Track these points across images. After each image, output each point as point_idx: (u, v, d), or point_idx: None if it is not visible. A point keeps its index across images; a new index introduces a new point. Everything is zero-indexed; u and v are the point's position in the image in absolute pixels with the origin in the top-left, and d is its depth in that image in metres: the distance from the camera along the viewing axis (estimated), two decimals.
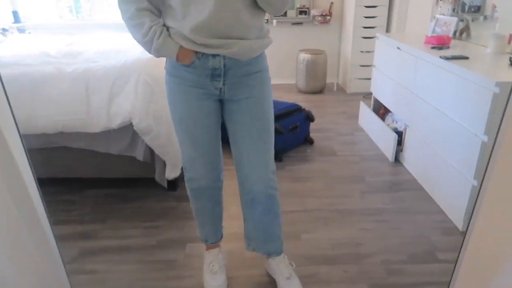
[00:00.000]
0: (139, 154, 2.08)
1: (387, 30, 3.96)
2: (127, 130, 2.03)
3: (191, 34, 1.18)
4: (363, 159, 2.68)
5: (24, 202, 0.89)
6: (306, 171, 2.53)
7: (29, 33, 3.89)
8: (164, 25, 1.23)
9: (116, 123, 1.96)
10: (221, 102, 1.38)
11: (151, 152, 2.10)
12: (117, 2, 1.23)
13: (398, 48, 2.64)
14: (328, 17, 4.13)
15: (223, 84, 1.29)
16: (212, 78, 1.27)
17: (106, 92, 1.98)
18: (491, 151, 0.93)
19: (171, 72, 1.31)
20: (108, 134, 2.04)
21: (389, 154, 2.66)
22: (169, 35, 1.22)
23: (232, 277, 1.65)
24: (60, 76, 2.03)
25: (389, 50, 2.81)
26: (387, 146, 2.69)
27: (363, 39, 3.95)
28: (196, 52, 1.22)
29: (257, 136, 1.36)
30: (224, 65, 1.25)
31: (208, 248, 1.65)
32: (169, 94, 1.35)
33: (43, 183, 2.34)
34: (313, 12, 4.18)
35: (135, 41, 1.25)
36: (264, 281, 1.63)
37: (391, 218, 2.02)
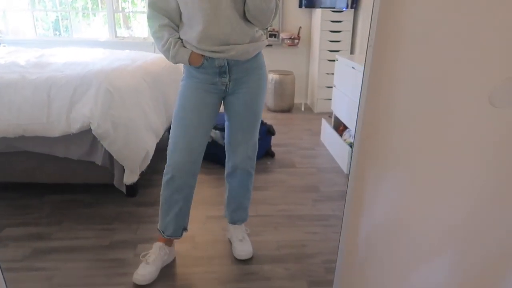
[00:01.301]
0: (98, 159, 2.16)
1: (351, 52, 4.19)
2: (87, 136, 2.11)
3: (198, 44, 1.49)
4: (320, 171, 2.80)
5: None
6: (263, 180, 2.63)
7: (4, 46, 3.97)
8: (179, 37, 1.55)
9: (75, 127, 2.04)
10: (222, 100, 1.66)
11: (110, 157, 2.18)
12: (146, 19, 1.59)
13: (353, 67, 2.82)
14: (296, 40, 4.35)
15: (229, 80, 1.57)
16: (220, 75, 1.56)
17: (67, 98, 2.07)
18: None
19: (188, 75, 1.60)
20: (68, 139, 2.12)
21: (344, 166, 2.79)
22: (183, 44, 1.54)
23: (178, 274, 1.71)
24: (24, 83, 2.11)
25: (346, 70, 2.99)
26: (343, 159, 2.83)
27: (329, 61, 4.16)
28: (204, 56, 1.52)
29: (246, 124, 1.67)
30: (228, 63, 1.54)
31: (158, 240, 1.75)
32: (181, 90, 1.61)
33: (3, 187, 2.39)
34: (282, 35, 4.39)
35: (158, 50, 1.58)
36: (208, 277, 1.70)
37: (337, 223, 2.13)
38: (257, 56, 1.62)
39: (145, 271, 1.65)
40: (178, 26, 1.57)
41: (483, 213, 0.80)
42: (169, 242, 1.75)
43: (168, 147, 1.63)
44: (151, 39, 4.50)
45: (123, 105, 2.12)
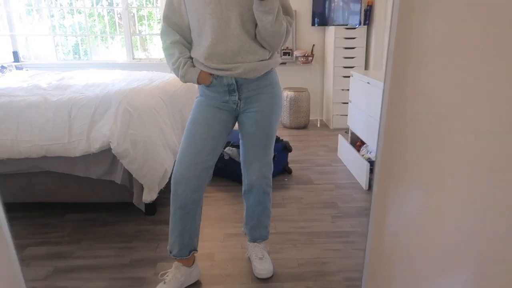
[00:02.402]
0: (118, 178, 2.18)
1: (366, 68, 4.19)
2: (106, 155, 2.14)
3: (205, 61, 1.51)
4: (337, 187, 2.77)
5: None
6: (281, 197, 2.62)
7: (27, 70, 4.10)
8: (189, 56, 1.57)
9: (95, 147, 2.08)
10: (235, 118, 1.66)
11: (129, 176, 2.21)
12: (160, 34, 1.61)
13: (368, 83, 2.82)
14: (310, 58, 4.38)
15: (239, 99, 1.57)
16: (229, 93, 1.56)
17: (87, 119, 2.12)
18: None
19: (201, 93, 1.63)
20: (88, 158, 2.16)
21: (363, 182, 2.76)
22: (192, 64, 1.56)
23: None
24: (46, 105, 2.17)
25: (361, 86, 2.99)
26: (361, 175, 2.80)
27: (343, 78, 4.16)
28: (212, 74, 1.53)
29: (258, 144, 1.65)
30: (236, 81, 1.53)
31: (176, 260, 1.69)
32: (194, 106, 1.63)
33: (25, 207, 2.44)
34: (296, 53, 4.43)
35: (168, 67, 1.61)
36: None
37: (357, 239, 2.09)
38: (269, 74, 1.60)
39: None
40: (190, 44, 1.59)
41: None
42: (187, 263, 1.70)
43: (176, 160, 1.60)
44: None
45: (141, 124, 2.16)
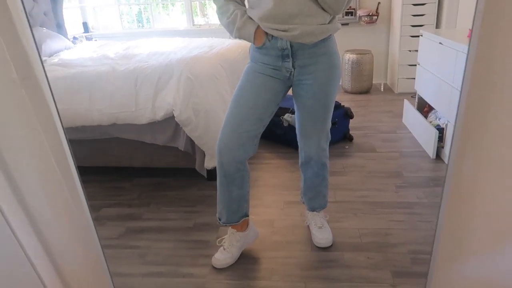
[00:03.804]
0: (181, 144, 2.26)
1: (437, 27, 3.85)
2: (170, 123, 2.22)
3: (261, 22, 1.41)
4: (402, 156, 2.65)
5: (62, 161, 1.05)
6: (341, 165, 2.56)
7: (96, 40, 4.31)
8: (246, 11, 1.47)
9: (160, 115, 2.15)
10: (288, 88, 1.58)
11: (191, 143, 2.28)
12: None
13: (440, 43, 2.59)
14: (375, 17, 4.11)
15: (293, 66, 1.46)
16: (283, 59, 1.45)
17: (152, 87, 2.19)
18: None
19: (253, 59, 1.54)
20: (153, 126, 2.25)
21: (430, 150, 2.60)
22: (250, 18, 1.45)
23: (258, 258, 1.75)
24: (114, 74, 2.27)
25: (432, 47, 2.76)
26: (428, 143, 2.64)
27: (411, 38, 3.87)
28: (267, 35, 1.43)
29: (316, 117, 1.58)
30: (291, 46, 1.42)
31: (230, 226, 1.73)
32: (244, 72, 1.55)
33: (99, 171, 2.62)
34: (359, 12, 4.18)
35: (222, 25, 1.52)
36: (288, 262, 1.71)
37: (423, 211, 2.00)
38: (327, 41, 1.46)
39: (221, 256, 1.70)
40: (243, 3, 1.52)
41: None
42: (240, 228, 1.71)
43: (221, 130, 1.55)
44: None
45: (203, 92, 2.19)
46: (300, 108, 1.60)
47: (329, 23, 1.44)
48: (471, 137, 0.98)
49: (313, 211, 1.86)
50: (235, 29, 1.44)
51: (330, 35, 1.48)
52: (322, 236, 1.78)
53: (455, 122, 0.96)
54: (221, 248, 1.73)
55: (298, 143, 1.73)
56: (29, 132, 0.95)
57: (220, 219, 1.69)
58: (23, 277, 1.04)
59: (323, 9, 1.39)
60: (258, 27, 1.43)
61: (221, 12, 1.49)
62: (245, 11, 1.47)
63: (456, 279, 1.20)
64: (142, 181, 2.51)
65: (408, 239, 1.81)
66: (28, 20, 0.82)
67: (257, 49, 1.49)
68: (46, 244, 1.13)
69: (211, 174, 2.41)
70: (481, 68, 0.88)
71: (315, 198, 1.82)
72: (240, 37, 1.47)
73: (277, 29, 1.39)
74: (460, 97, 0.92)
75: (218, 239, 1.81)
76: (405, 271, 1.61)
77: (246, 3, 1.51)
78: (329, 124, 1.66)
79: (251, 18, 1.45)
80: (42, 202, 1.07)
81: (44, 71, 0.88)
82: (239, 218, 1.68)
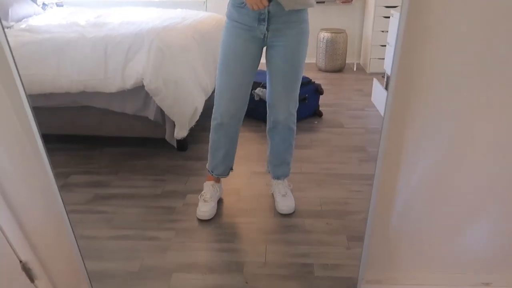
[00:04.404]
0: (151, 114, 2.27)
1: None
2: (140, 92, 2.22)
3: None
4: (368, 132, 2.75)
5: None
6: (309, 139, 2.64)
7: (66, 7, 4.17)
8: None
9: (129, 83, 2.15)
10: (262, 49, 1.68)
11: (161, 113, 2.29)
12: None
13: None
14: None
15: (267, 30, 1.58)
16: (259, 22, 1.57)
17: (122, 56, 2.18)
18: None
19: (229, 16, 1.63)
20: (123, 94, 2.24)
21: None
22: None
23: (222, 223, 1.82)
24: (83, 41, 2.24)
25: None
26: None
27: (384, 18, 3.94)
28: None
29: (286, 78, 1.68)
30: (268, 12, 1.54)
31: (207, 180, 1.93)
32: (224, 34, 1.66)
33: (68, 139, 2.61)
34: None
35: None
36: (250, 227, 1.79)
37: None
38: (300, 11, 1.60)
39: (206, 207, 1.85)
40: None
41: None
42: (217, 180, 1.94)
43: (215, 93, 1.73)
44: None
45: (173, 62, 2.19)
46: (272, 71, 1.70)
47: None
48: (406, 109, 1.07)
49: (277, 179, 1.93)
50: None
51: (305, 9, 1.60)
52: (285, 203, 1.87)
53: (387, 92, 1.04)
54: (202, 201, 1.87)
55: (267, 109, 1.82)
56: None
57: (213, 171, 1.90)
58: None
59: None
60: None
61: None
62: None
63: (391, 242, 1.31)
64: (111, 150, 2.52)
65: (365, 207, 1.88)
66: None
67: (236, 7, 1.58)
68: (11, 202, 1.16)
69: (181, 144, 2.44)
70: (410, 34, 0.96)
71: (280, 165, 1.90)
72: None
73: None
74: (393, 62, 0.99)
75: (200, 195, 1.91)
76: (360, 236, 1.69)
77: None
78: (298, 90, 1.76)
79: None
80: (5, 163, 1.09)
81: (5, 34, 0.89)
82: (229, 171, 1.93)
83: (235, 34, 1.62)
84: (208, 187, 1.91)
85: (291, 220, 1.83)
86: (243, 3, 1.54)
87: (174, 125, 2.33)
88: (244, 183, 2.14)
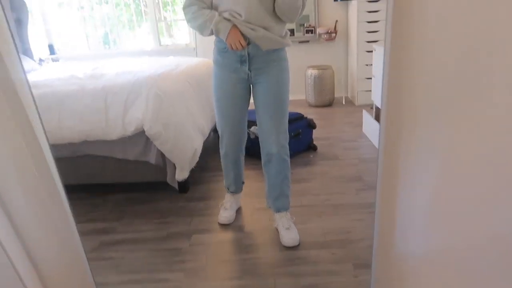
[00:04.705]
0: (152, 158, 2.34)
1: None
2: (141, 137, 2.30)
3: (230, 16, 1.69)
4: (362, 162, 2.83)
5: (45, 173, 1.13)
6: (306, 173, 2.71)
7: (62, 62, 4.33)
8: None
9: (130, 130, 2.23)
10: (249, 88, 1.88)
11: (162, 156, 2.36)
12: (182, 10, 1.81)
13: None
14: (333, 34, 4.37)
15: (250, 70, 1.77)
16: (241, 63, 1.77)
17: (121, 104, 2.27)
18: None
19: (215, 62, 1.86)
20: (124, 141, 2.32)
21: None
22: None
23: (230, 260, 1.84)
24: (83, 93, 2.34)
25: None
26: None
27: (367, 52, 4.14)
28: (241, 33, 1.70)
29: (272, 112, 1.82)
30: (249, 53, 1.73)
31: (227, 192, 2.23)
32: (214, 80, 1.89)
33: (71, 189, 2.64)
34: (319, 30, 4.43)
35: (194, 27, 1.77)
36: (258, 262, 1.81)
37: None
38: (279, 51, 1.77)
39: (227, 213, 2.15)
40: None
41: None
42: (234, 194, 2.23)
43: (218, 130, 2.00)
44: (193, 45, 4.71)
45: (171, 107, 2.29)
46: (259, 107, 1.85)
47: (282, 38, 1.76)
48: (398, 139, 1.15)
49: (278, 211, 1.99)
50: (214, 23, 1.69)
51: (283, 48, 1.77)
52: (289, 236, 1.90)
53: (380, 121, 1.12)
54: (223, 209, 2.17)
55: (260, 144, 1.94)
56: (15, 152, 1.03)
57: (229, 188, 2.19)
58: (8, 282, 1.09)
59: (280, 23, 1.70)
60: (233, 26, 1.68)
61: (195, 17, 1.74)
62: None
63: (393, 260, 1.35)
64: (114, 197, 2.55)
65: (368, 235, 1.95)
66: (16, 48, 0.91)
67: (221, 52, 1.79)
68: (29, 251, 1.19)
69: (182, 186, 2.49)
70: (394, 64, 1.06)
71: (278, 198, 1.97)
72: (217, 30, 1.70)
73: (246, 26, 1.67)
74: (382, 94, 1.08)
75: (221, 203, 2.24)
76: (366, 263, 1.75)
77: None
78: (286, 124, 1.88)
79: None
80: (29, 216, 1.13)
81: (30, 89, 0.97)
82: (241, 186, 2.23)
83: (223, 79, 1.84)
84: (229, 197, 2.20)
85: (296, 253, 1.86)
86: (226, 48, 1.74)
87: (175, 167, 2.39)
88: (248, 220, 2.18)
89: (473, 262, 1.30)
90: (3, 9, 0.93)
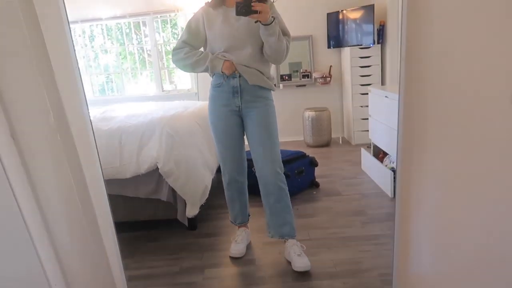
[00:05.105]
0: (163, 195, 2.41)
1: (382, 84, 4.39)
2: (153, 175, 2.39)
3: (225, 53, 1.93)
4: (364, 196, 2.93)
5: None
6: (311, 208, 2.79)
7: None
8: None
9: (144, 168, 2.32)
10: (241, 121, 2.03)
11: (173, 193, 2.44)
12: (171, 55, 2.02)
13: (386, 96, 3.01)
14: (328, 78, 4.61)
15: (241, 102, 1.95)
16: (233, 95, 1.95)
17: (136, 143, 2.38)
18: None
19: (210, 97, 2.05)
20: (137, 179, 2.40)
21: (388, 190, 2.91)
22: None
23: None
24: (98, 133, 2.44)
25: (379, 100, 3.19)
26: (386, 183, 2.95)
27: (361, 95, 4.37)
28: (225, 77, 1.94)
29: (264, 141, 1.97)
30: (240, 85, 1.93)
31: (238, 227, 2.32)
32: (210, 116, 2.08)
33: None
34: (314, 75, 4.68)
35: (187, 64, 1.96)
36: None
37: (387, 241, 2.23)
38: (265, 91, 1.98)
39: (238, 247, 2.20)
40: None
41: None
42: (245, 226, 2.34)
43: (219, 161, 2.15)
44: (195, 90, 4.92)
45: (183, 145, 2.40)
46: (250, 138, 2.01)
47: (268, 78, 1.99)
48: (411, 172, 1.26)
49: (282, 237, 2.09)
50: (209, 60, 1.91)
51: (269, 89, 2.00)
52: (301, 261, 1.97)
53: (396, 161, 1.24)
54: (234, 242, 2.23)
55: (257, 175, 2.05)
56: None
57: (235, 221, 2.30)
58: None
59: (267, 66, 1.98)
60: (225, 61, 1.91)
61: (187, 57, 1.94)
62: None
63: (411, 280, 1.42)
64: (125, 235, 2.59)
65: (377, 265, 2.01)
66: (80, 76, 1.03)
67: (215, 87, 2.00)
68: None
69: (191, 223, 2.55)
70: (408, 109, 1.18)
71: (283, 225, 2.07)
72: (211, 67, 1.91)
73: (237, 64, 1.91)
74: (398, 129, 1.20)
75: (232, 237, 2.30)
76: None
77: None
78: (278, 154, 2.01)
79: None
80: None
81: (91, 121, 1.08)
82: (247, 217, 2.33)
83: (218, 113, 2.02)
84: (241, 231, 2.29)
85: (309, 284, 1.90)
86: (220, 83, 1.96)
87: (185, 205, 2.46)
88: (259, 253, 2.23)
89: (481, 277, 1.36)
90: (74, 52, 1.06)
